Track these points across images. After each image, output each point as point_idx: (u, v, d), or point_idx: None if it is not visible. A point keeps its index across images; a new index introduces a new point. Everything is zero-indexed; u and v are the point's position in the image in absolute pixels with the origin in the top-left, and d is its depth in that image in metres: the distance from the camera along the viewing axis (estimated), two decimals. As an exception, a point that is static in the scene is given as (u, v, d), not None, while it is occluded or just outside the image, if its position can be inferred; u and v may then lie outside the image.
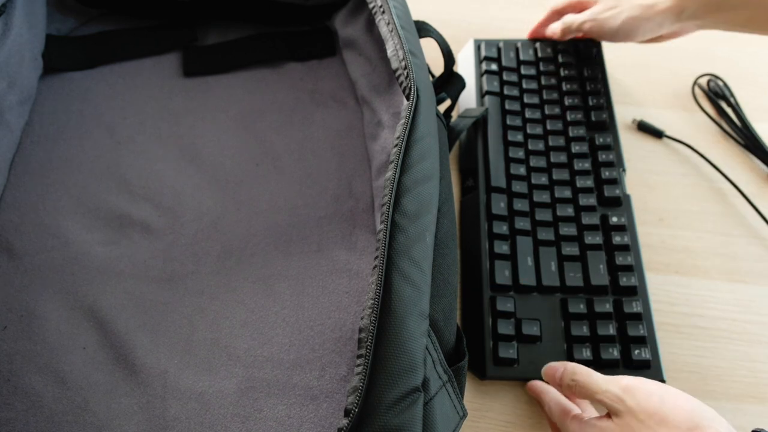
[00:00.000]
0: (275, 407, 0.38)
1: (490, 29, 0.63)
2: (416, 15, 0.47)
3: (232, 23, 0.57)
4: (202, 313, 0.42)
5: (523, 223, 0.48)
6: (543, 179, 0.50)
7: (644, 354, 0.43)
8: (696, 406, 0.33)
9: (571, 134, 0.53)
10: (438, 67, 0.50)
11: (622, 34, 0.53)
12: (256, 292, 0.43)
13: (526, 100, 0.55)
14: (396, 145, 0.37)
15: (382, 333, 0.32)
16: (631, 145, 0.57)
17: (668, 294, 0.49)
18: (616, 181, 0.50)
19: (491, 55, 0.57)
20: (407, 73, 0.40)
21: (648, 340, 0.44)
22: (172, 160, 0.49)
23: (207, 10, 0.55)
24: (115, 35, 0.55)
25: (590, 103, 0.54)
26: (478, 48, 0.58)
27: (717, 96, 0.59)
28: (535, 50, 0.58)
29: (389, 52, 0.42)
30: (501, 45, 0.57)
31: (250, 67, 0.54)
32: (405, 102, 0.40)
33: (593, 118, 0.53)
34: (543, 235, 0.48)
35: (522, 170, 0.50)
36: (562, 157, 0.52)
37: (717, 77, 0.60)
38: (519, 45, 0.58)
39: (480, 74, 0.56)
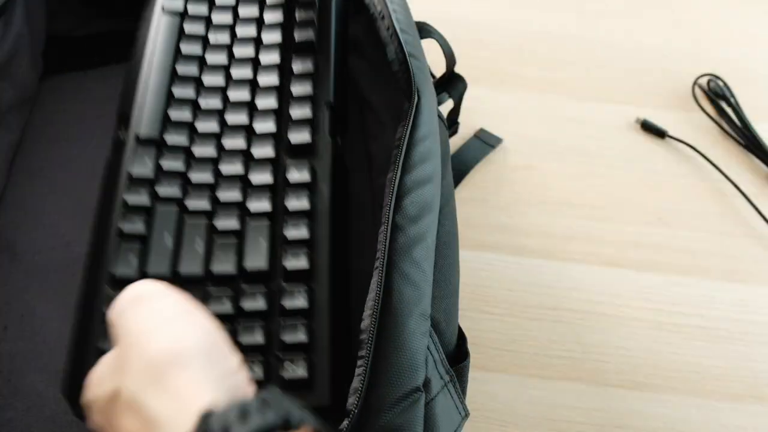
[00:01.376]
0: (276, 407, 0.38)
1: (491, 28, 0.63)
2: (417, 15, 0.47)
3: (232, 23, 0.56)
4: (202, 313, 0.42)
5: (170, 189, 0.34)
6: (213, 125, 0.36)
7: (298, 370, 0.30)
8: (179, 338, 0.22)
9: (262, 62, 0.39)
10: (439, 68, 0.50)
11: None
12: (256, 292, 0.43)
13: (215, 20, 0.41)
14: (397, 146, 0.37)
15: (383, 333, 0.32)
16: (633, 144, 0.57)
17: (668, 294, 0.49)
18: (308, 122, 0.37)
19: None
20: (408, 74, 0.40)
21: (311, 348, 0.31)
22: (172, 160, 0.49)
23: (207, 9, 0.55)
24: (115, 35, 0.55)
25: (297, 17, 0.40)
26: None
27: (717, 96, 0.59)
28: None
29: (389, 56, 0.42)
30: None
31: (251, 66, 0.54)
32: (406, 103, 0.40)
33: (296, 39, 0.40)
34: (194, 204, 0.34)
35: (187, 114, 0.36)
36: (245, 94, 0.38)
37: (717, 77, 0.60)
38: None
39: None
